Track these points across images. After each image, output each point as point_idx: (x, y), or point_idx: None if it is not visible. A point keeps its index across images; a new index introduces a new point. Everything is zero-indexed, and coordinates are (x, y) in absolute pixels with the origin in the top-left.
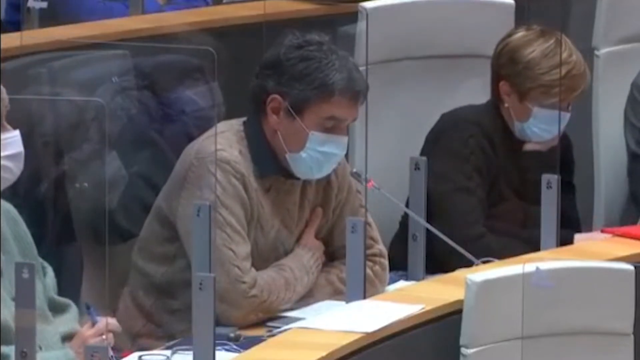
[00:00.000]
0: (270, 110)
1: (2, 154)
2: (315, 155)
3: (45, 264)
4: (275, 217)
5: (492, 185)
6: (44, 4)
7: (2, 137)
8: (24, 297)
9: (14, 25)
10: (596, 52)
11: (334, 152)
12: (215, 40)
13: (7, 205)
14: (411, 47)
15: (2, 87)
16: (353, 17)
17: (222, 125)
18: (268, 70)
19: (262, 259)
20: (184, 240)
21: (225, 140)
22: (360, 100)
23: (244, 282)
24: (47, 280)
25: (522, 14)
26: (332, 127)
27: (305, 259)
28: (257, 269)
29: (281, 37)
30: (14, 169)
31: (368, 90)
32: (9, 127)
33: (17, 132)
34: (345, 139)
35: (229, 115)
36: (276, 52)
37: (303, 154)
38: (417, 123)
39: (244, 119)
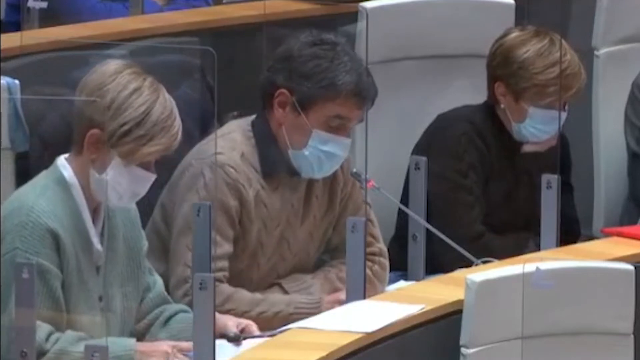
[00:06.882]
0: (277, 104)
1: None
2: (317, 154)
3: (155, 274)
4: (281, 214)
5: (489, 186)
6: (44, 4)
7: (139, 172)
8: (24, 297)
9: (14, 25)
10: (596, 52)
11: (336, 153)
12: (215, 40)
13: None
14: (411, 47)
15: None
16: (353, 17)
17: (230, 125)
18: (279, 64)
19: (265, 257)
20: (173, 239)
21: (229, 143)
22: (367, 104)
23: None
24: (150, 294)
25: (522, 14)
26: (336, 127)
27: (299, 298)
28: (261, 266)
29: (298, 33)
30: (121, 195)
31: (377, 96)
32: (152, 169)
33: (152, 177)
34: (348, 141)
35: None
36: (290, 47)
37: (305, 152)
38: (417, 123)
39: (253, 117)
